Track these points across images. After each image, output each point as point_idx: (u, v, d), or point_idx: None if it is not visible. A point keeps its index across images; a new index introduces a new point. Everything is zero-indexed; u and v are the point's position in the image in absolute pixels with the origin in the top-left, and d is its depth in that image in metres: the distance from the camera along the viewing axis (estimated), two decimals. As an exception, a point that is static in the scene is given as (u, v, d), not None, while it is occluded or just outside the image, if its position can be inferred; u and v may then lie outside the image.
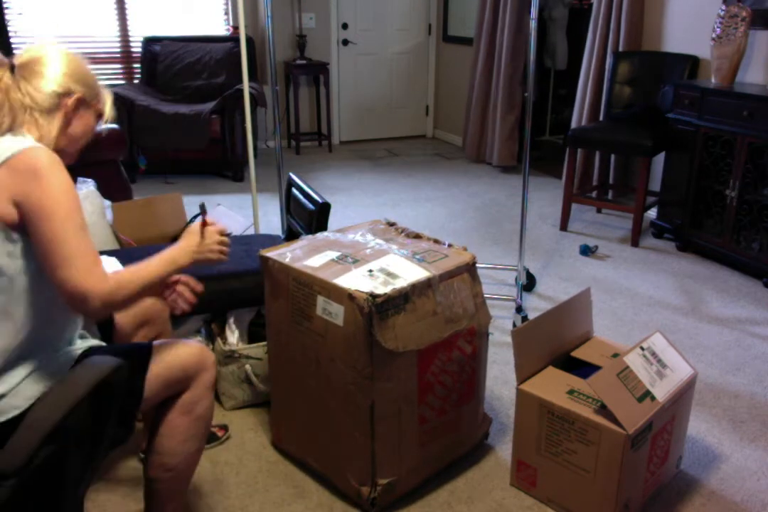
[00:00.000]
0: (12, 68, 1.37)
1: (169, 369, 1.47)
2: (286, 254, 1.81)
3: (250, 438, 2.08)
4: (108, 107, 1.51)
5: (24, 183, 1.26)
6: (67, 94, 1.41)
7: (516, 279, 2.99)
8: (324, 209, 2.14)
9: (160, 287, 1.62)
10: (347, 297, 1.61)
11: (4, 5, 4.84)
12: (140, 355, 1.45)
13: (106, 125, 3.26)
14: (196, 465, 1.58)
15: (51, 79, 1.39)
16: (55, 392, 1.26)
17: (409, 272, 1.71)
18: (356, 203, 4.48)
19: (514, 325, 2.77)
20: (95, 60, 5.34)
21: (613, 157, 4.34)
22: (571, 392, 1.74)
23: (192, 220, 3.03)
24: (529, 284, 3.14)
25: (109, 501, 1.81)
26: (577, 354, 1.93)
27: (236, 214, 3.56)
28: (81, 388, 1.26)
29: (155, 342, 1.51)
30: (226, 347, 2.16)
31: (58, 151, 1.39)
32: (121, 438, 1.46)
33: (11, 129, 1.36)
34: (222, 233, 1.55)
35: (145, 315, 1.78)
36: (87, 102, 1.45)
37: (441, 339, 1.73)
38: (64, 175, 1.30)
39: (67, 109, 1.41)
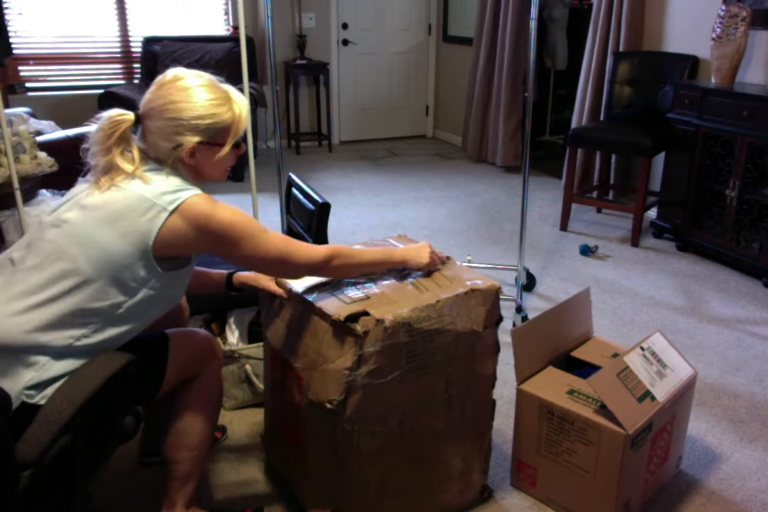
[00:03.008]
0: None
1: (185, 356, 1.53)
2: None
3: (250, 437, 2.08)
4: (240, 129, 1.43)
5: (198, 233, 1.35)
6: (177, 146, 1.38)
7: (516, 279, 2.99)
8: (324, 209, 2.14)
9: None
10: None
11: (4, 5, 4.84)
12: (159, 346, 1.51)
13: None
14: (209, 447, 1.64)
15: (161, 137, 1.38)
16: (70, 386, 1.29)
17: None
18: (356, 203, 4.48)
19: (514, 325, 2.77)
20: (95, 60, 5.34)
21: (613, 157, 4.34)
22: (571, 392, 1.74)
23: None
24: (529, 284, 3.13)
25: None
26: (577, 354, 1.93)
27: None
28: (95, 383, 1.29)
29: (168, 331, 1.56)
30: (226, 347, 2.16)
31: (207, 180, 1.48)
32: (130, 432, 1.50)
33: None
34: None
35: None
36: (207, 143, 1.40)
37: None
38: (218, 207, 1.36)
39: (185, 160, 1.40)
